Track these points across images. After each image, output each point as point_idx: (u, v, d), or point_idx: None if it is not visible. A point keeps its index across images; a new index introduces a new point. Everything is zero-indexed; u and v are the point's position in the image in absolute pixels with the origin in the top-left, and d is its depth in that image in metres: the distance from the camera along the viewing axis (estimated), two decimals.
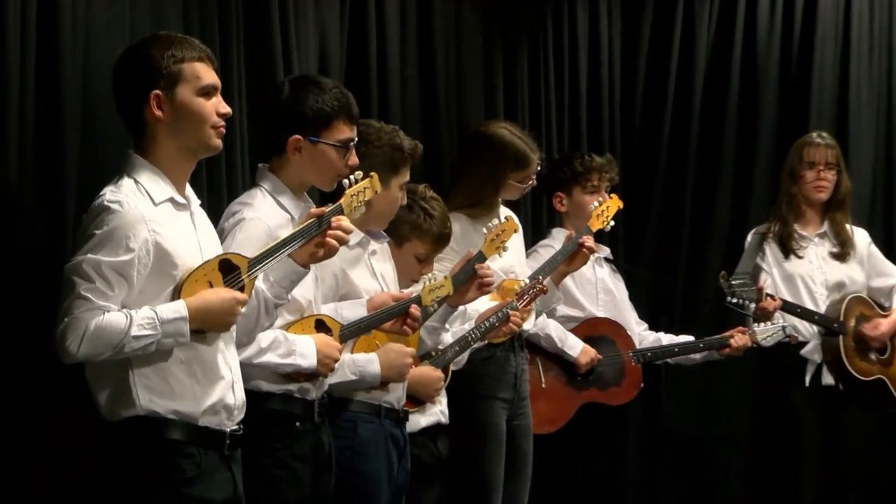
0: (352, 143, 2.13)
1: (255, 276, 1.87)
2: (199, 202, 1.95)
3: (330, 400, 2.19)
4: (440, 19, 3.18)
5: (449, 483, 2.65)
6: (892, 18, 3.74)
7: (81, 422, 2.00)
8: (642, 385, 3.10)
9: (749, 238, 3.27)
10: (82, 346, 1.75)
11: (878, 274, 3.26)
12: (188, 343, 1.81)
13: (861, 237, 3.28)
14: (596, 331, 3.06)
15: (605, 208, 2.87)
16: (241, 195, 2.19)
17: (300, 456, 2.09)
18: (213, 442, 1.85)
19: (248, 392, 1.98)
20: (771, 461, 3.26)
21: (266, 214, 2.09)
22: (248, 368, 2.03)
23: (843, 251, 3.21)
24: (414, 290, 2.36)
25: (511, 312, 2.57)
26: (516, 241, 2.74)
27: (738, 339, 3.08)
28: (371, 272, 2.33)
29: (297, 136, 2.09)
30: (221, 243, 2.03)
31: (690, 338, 3.17)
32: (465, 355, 2.60)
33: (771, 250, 3.22)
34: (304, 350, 2.07)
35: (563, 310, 3.00)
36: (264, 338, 2.04)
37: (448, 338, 2.56)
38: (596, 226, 2.84)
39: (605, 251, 3.14)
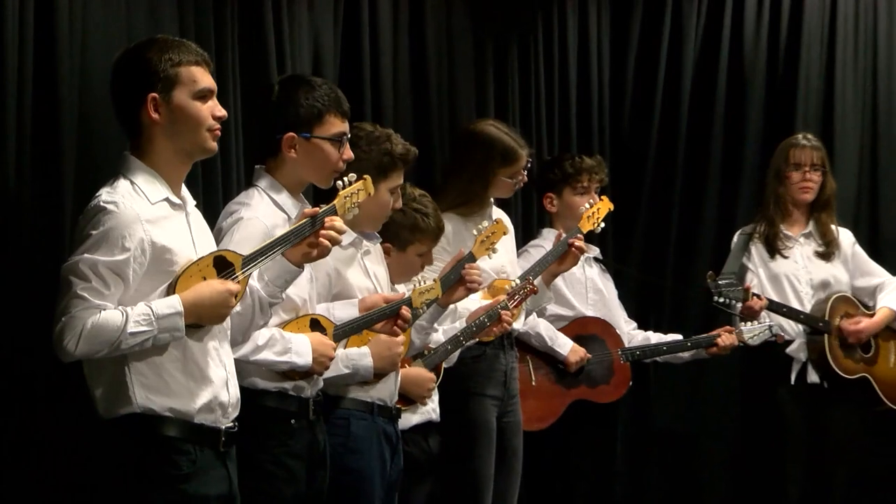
0: (345, 138, 2.16)
1: (249, 274, 1.89)
2: (194, 203, 1.97)
3: (323, 397, 2.21)
4: (432, 24, 3.21)
5: (440, 479, 2.68)
6: (876, 22, 3.78)
7: (81, 421, 2.02)
8: (631, 383, 3.13)
9: (735, 238, 3.31)
10: (80, 344, 1.77)
11: (863, 274, 3.30)
12: (184, 339, 1.83)
13: (846, 237, 3.32)
14: (586, 329, 3.09)
15: (595, 210, 2.91)
16: (239, 195, 2.21)
17: (295, 453, 2.11)
18: (208, 439, 1.87)
19: (244, 389, 2.00)
20: (757, 458, 3.29)
21: (264, 214, 2.11)
22: (244, 365, 2.05)
23: (828, 251, 3.25)
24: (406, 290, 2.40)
25: (502, 312, 2.60)
26: (508, 241, 2.78)
27: (726, 338, 3.11)
28: (364, 272, 2.36)
29: (291, 134, 2.12)
30: (219, 242, 2.06)
31: (678, 337, 3.21)
32: (456, 354, 2.63)
33: (757, 250, 3.25)
34: (300, 348, 2.09)
35: (553, 309, 3.03)
36: (261, 335, 2.06)
37: (440, 336, 2.59)
38: (586, 227, 2.87)
39: (595, 251, 3.17)
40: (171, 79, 1.87)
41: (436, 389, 2.58)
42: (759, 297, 3.15)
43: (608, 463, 3.18)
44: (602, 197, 2.98)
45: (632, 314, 3.29)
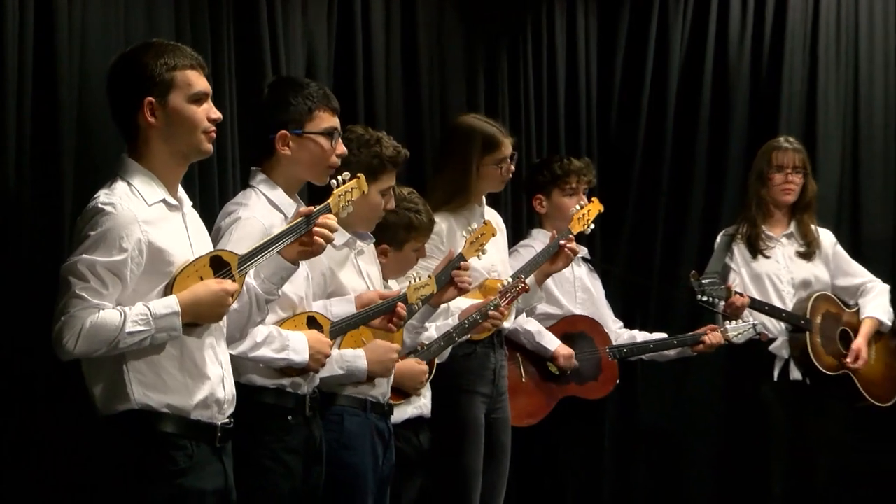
0: (337, 132, 2.19)
1: (246, 273, 1.92)
2: (190, 203, 2.00)
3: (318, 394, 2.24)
4: (424, 27, 3.25)
5: (431, 474, 2.72)
6: (857, 29, 3.83)
7: (81, 421, 2.03)
8: (618, 381, 3.18)
9: (718, 239, 3.36)
10: (79, 343, 1.80)
11: (844, 274, 3.35)
12: (181, 338, 1.86)
13: (826, 237, 3.37)
14: (574, 328, 3.13)
15: (586, 212, 2.94)
16: (236, 196, 2.24)
17: (292, 449, 2.13)
18: (204, 435, 1.90)
19: (241, 386, 2.03)
20: (741, 453, 3.33)
21: (261, 214, 2.14)
22: (242, 362, 2.08)
23: (809, 251, 3.30)
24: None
25: (491, 313, 2.64)
26: (499, 241, 2.82)
27: (712, 336, 3.15)
28: (358, 271, 2.40)
29: (284, 132, 2.15)
30: (218, 242, 2.09)
31: (664, 335, 3.24)
32: (448, 350, 2.67)
33: (739, 250, 3.29)
34: (297, 346, 2.12)
35: (542, 307, 3.06)
36: (259, 332, 2.09)
37: (433, 332, 2.62)
38: (577, 228, 2.90)
39: (583, 251, 3.20)
40: (167, 83, 1.89)
41: (428, 385, 2.61)
42: (741, 294, 3.20)
43: (596, 457, 3.21)
44: (592, 199, 3.02)
45: (619, 313, 3.32)
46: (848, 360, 3.22)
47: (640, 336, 3.25)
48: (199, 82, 1.94)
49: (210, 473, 1.91)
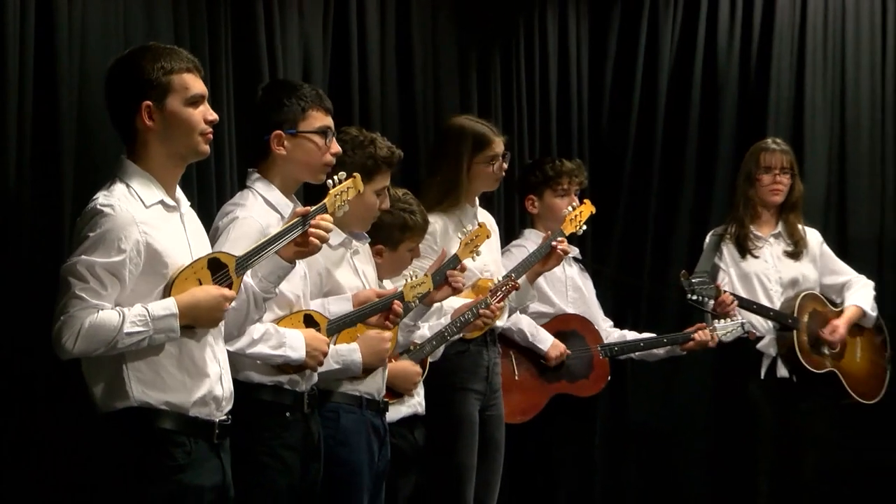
0: (330, 131, 2.22)
1: (243, 274, 1.95)
2: (188, 204, 2.02)
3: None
4: (418, 30, 3.28)
5: (426, 470, 2.75)
6: (844, 33, 3.87)
7: (80, 421, 2.05)
8: (609, 378, 3.22)
9: (707, 239, 3.39)
10: (77, 342, 1.82)
11: (830, 272, 3.39)
12: (179, 338, 1.88)
13: (813, 237, 3.41)
14: (566, 326, 3.16)
15: (578, 213, 2.98)
16: (234, 196, 2.27)
17: (290, 445, 2.16)
18: (202, 431, 1.93)
19: (239, 383, 2.05)
20: (729, 450, 3.36)
21: (258, 214, 2.17)
22: (240, 359, 2.11)
23: (796, 250, 3.33)
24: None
25: (482, 311, 2.67)
26: (493, 241, 2.85)
27: (701, 334, 3.18)
28: (353, 270, 2.42)
29: (278, 132, 2.18)
30: (215, 241, 2.11)
31: (654, 334, 3.28)
32: (441, 349, 2.70)
33: (728, 250, 3.33)
34: (294, 343, 2.15)
35: (534, 306, 3.09)
36: (256, 330, 2.12)
37: (425, 332, 2.65)
38: (569, 229, 2.94)
39: (575, 251, 3.22)
40: (164, 86, 1.92)
41: (421, 383, 2.64)
42: (730, 293, 3.24)
43: (587, 454, 3.24)
44: (585, 200, 3.05)
45: (609, 313, 3.35)
46: (825, 331, 3.24)
47: (630, 336, 3.28)
48: (196, 85, 1.96)
49: (208, 470, 1.93)
